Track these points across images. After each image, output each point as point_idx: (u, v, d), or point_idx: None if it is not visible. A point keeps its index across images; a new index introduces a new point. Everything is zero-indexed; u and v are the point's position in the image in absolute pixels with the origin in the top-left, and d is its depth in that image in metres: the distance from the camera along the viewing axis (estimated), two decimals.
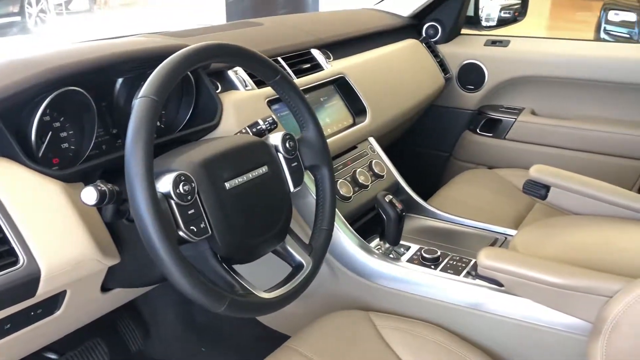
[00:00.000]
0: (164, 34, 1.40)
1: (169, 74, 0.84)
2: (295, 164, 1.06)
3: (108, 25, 8.36)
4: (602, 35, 6.17)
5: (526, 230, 1.25)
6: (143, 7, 9.92)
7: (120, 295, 1.17)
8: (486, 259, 1.08)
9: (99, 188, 0.82)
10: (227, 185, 0.90)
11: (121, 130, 1.06)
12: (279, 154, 1.04)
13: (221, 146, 0.95)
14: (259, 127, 1.14)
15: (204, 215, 0.86)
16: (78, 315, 1.10)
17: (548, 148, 2.06)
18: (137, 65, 1.07)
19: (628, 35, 6.07)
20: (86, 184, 0.85)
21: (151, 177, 0.78)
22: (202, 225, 0.85)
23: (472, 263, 1.24)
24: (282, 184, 1.02)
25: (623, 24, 6.09)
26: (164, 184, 0.83)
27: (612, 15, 6.26)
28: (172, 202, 0.82)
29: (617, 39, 5.99)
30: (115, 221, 0.93)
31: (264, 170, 0.98)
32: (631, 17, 6.10)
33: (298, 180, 1.06)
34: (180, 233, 0.83)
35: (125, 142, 0.80)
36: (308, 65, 1.53)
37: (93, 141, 1.01)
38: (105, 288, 1.06)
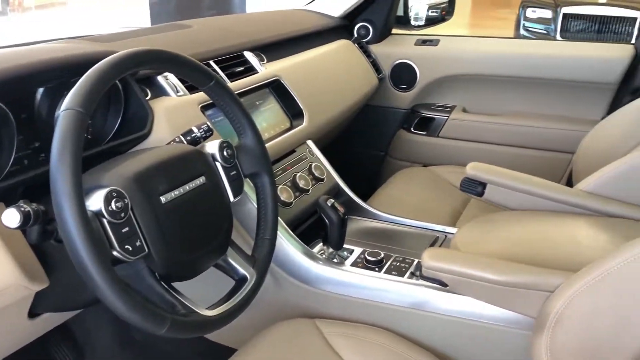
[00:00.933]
0: (87, 39, 1.32)
1: (96, 84, 0.79)
2: (234, 172, 1.02)
3: (24, 29, 7.92)
4: (522, 31, 6.44)
5: (466, 228, 1.27)
6: (61, 8, 9.48)
7: (51, 320, 1.09)
8: (430, 259, 1.08)
9: (22, 209, 0.75)
10: (163, 199, 0.85)
11: (44, 144, 0.98)
12: (216, 163, 1.00)
13: (154, 157, 0.90)
14: (193, 135, 1.09)
15: (139, 232, 0.81)
16: (3, 345, 1.02)
17: (480, 144, 2.11)
18: (59, 73, 1.00)
19: (545, 32, 6.37)
20: (7, 204, 0.78)
21: (80, 195, 0.73)
22: (137, 244, 0.80)
23: (415, 263, 1.25)
24: (221, 195, 0.98)
25: (540, 20, 6.39)
26: (95, 202, 0.77)
27: (530, 13, 6.54)
28: (104, 220, 0.77)
29: (537, 35, 6.27)
30: (41, 243, 0.86)
31: (201, 181, 0.93)
32: (547, 14, 6.40)
33: (238, 190, 1.02)
34: (115, 253, 0.78)
35: (49, 156, 0.73)
36: (241, 69, 1.49)
37: (13, 157, 0.93)
38: (33, 313, 0.98)
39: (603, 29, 6.15)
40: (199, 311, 0.86)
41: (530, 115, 2.06)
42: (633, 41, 1.88)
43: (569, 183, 1.91)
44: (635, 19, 6.17)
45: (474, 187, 1.39)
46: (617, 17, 6.13)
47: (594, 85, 1.94)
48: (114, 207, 0.77)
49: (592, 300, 0.88)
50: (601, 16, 6.19)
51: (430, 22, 2.34)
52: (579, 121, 1.97)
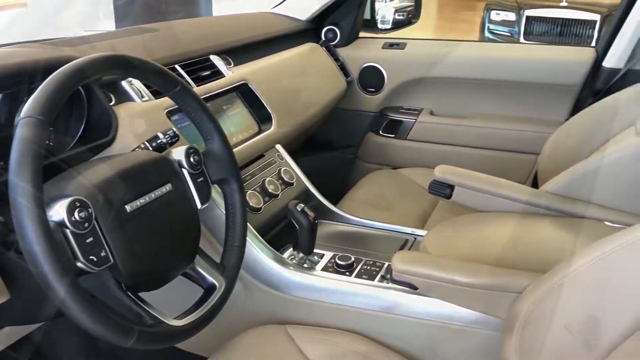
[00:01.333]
0: (48, 43, 1.28)
1: (57, 91, 0.76)
2: (202, 179, 1.00)
3: None
4: (487, 34, 6.55)
5: (435, 231, 1.28)
6: (21, 10, 9.24)
7: (11, 333, 1.06)
8: (400, 263, 1.09)
9: None
10: (128, 208, 0.83)
11: (2, 153, 0.95)
12: (183, 169, 0.98)
13: (119, 165, 0.88)
14: (159, 141, 1.07)
15: (104, 242, 0.79)
16: None
17: (447, 146, 2.13)
18: (18, 79, 0.97)
19: (509, 34, 6.49)
20: None
21: (41, 205, 0.70)
22: (102, 254, 0.78)
23: (385, 267, 1.25)
24: (188, 202, 0.96)
25: (504, 23, 6.51)
26: (57, 212, 0.75)
27: (494, 15, 6.66)
28: (67, 231, 0.75)
29: (501, 37, 6.38)
30: (1, 255, 0.83)
31: (167, 188, 0.91)
32: (511, 16, 6.52)
33: (205, 197, 1.00)
34: (79, 264, 0.76)
35: (8, 166, 0.71)
36: (208, 73, 1.47)
37: None
38: None
39: (565, 31, 6.30)
40: (166, 321, 0.84)
41: (496, 117, 2.09)
42: (593, 44, 1.91)
43: (535, 184, 1.94)
44: (595, 22, 6.35)
45: (442, 189, 1.40)
46: (578, 20, 6.29)
47: (557, 88, 1.98)
48: (77, 217, 0.75)
49: (560, 300, 0.89)
50: (563, 19, 6.35)
51: (397, 25, 2.35)
52: (543, 122, 2.00)
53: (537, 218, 1.27)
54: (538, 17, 6.32)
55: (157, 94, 1.26)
